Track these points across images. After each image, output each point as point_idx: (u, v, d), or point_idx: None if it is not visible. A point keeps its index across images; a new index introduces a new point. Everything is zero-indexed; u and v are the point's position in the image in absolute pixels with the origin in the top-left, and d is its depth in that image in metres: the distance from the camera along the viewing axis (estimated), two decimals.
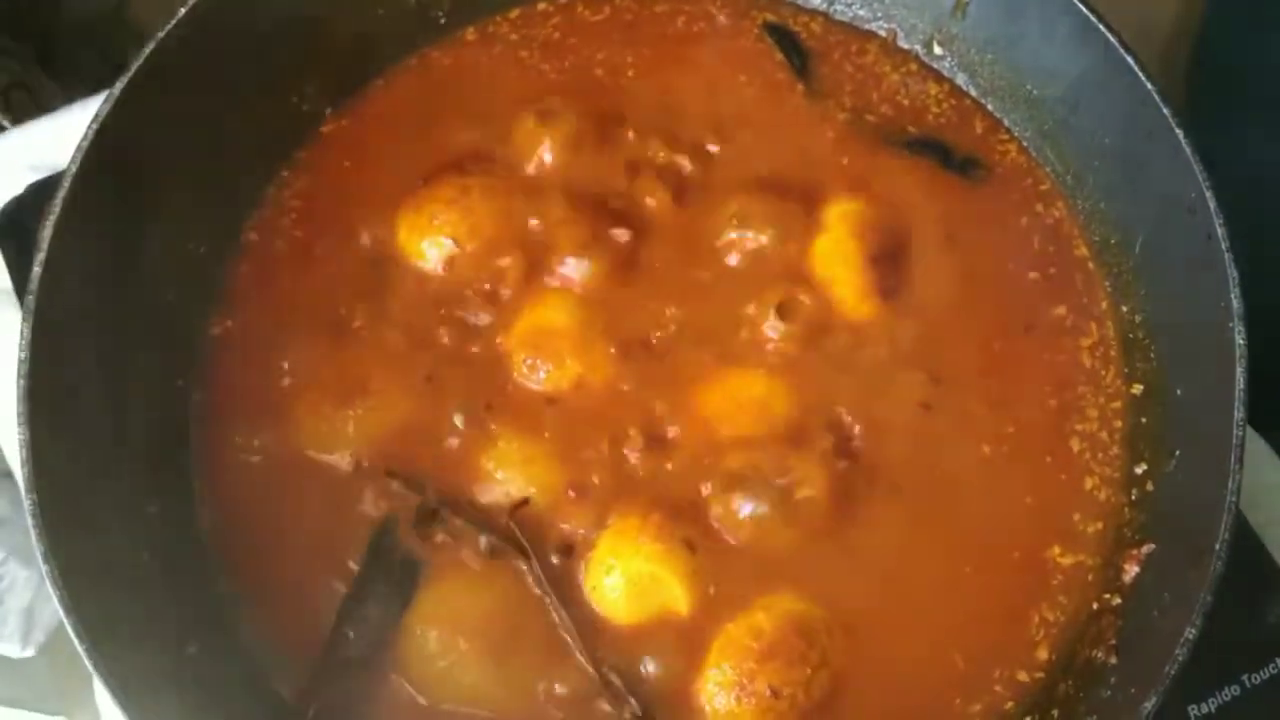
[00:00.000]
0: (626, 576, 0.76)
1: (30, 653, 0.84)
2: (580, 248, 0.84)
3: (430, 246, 0.85)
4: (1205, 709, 0.83)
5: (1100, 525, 0.79)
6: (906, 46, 0.92)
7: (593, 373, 0.81)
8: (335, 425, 0.81)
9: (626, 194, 0.86)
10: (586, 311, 0.83)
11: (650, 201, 0.86)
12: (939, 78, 0.91)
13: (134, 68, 0.77)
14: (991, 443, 0.81)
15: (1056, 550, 0.79)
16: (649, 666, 0.76)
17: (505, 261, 0.84)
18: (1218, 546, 0.68)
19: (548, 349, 0.82)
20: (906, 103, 0.91)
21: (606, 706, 0.74)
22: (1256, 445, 0.90)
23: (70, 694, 0.84)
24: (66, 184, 0.74)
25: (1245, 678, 0.84)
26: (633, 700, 0.74)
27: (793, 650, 0.74)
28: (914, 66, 0.92)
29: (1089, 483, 0.80)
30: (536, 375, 0.82)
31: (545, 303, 0.84)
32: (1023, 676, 0.77)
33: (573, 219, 0.85)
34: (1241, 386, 0.71)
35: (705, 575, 0.77)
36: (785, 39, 0.92)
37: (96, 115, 0.76)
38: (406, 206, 0.86)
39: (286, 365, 0.83)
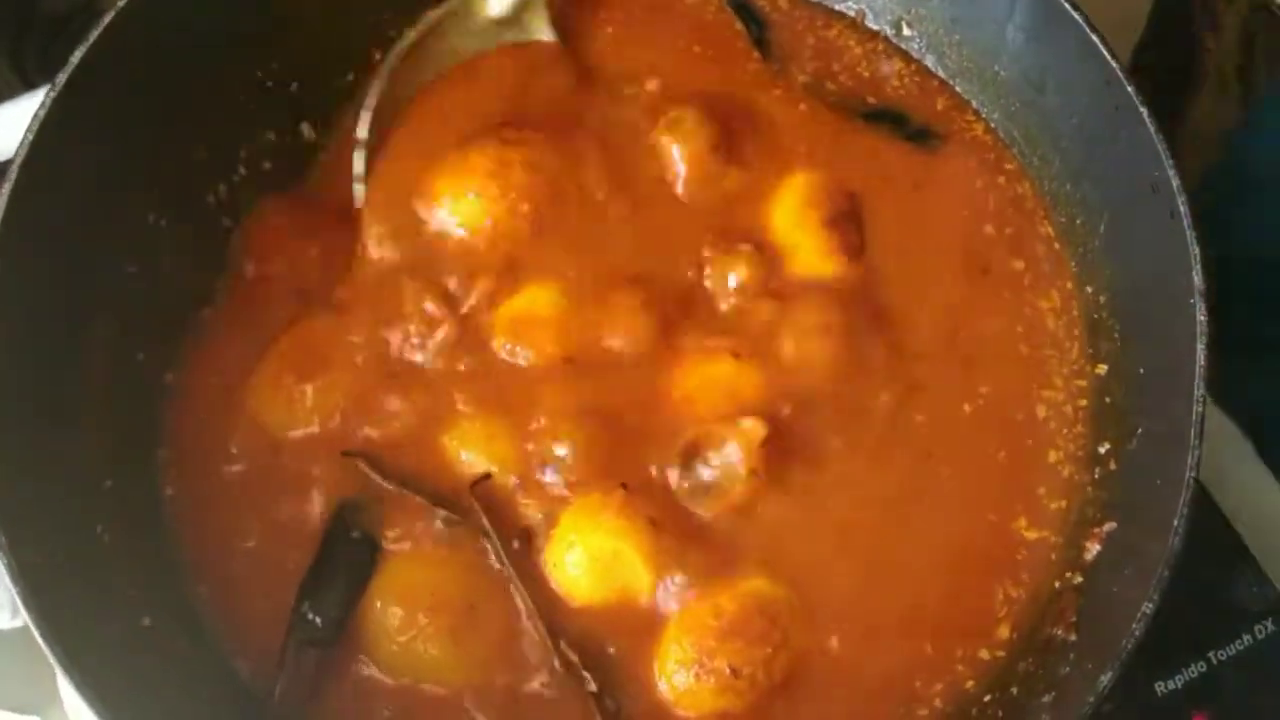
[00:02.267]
0: (588, 553, 0.76)
1: (19, 623, 0.83)
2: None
3: (459, 221, 0.83)
4: (1171, 685, 0.83)
5: (1064, 503, 0.79)
6: (875, 27, 0.92)
7: (566, 351, 0.81)
8: (294, 397, 0.80)
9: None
10: (565, 299, 0.82)
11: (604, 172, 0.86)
12: (906, 57, 0.91)
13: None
14: (970, 401, 0.81)
15: (1023, 523, 0.79)
16: (608, 644, 0.75)
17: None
18: (1176, 522, 0.68)
19: (526, 332, 0.81)
20: (867, 75, 0.90)
21: (565, 684, 0.74)
22: (1225, 426, 0.91)
23: (43, 691, 0.82)
24: (35, 128, 0.73)
25: (1211, 654, 0.84)
26: (589, 677, 0.74)
27: (754, 629, 0.74)
28: (880, 45, 0.91)
29: (1053, 456, 0.80)
30: (515, 358, 0.81)
31: (529, 287, 0.83)
32: (984, 655, 0.77)
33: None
34: (1202, 363, 0.70)
35: (668, 553, 0.76)
36: (743, 10, 0.92)
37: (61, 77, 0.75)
38: (440, 173, 0.84)
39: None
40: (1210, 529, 0.85)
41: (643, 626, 0.75)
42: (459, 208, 0.83)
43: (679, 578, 0.76)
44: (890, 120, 0.89)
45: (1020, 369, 0.83)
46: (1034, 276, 0.85)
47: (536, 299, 0.82)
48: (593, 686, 0.73)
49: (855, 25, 0.92)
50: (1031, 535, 0.79)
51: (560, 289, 0.82)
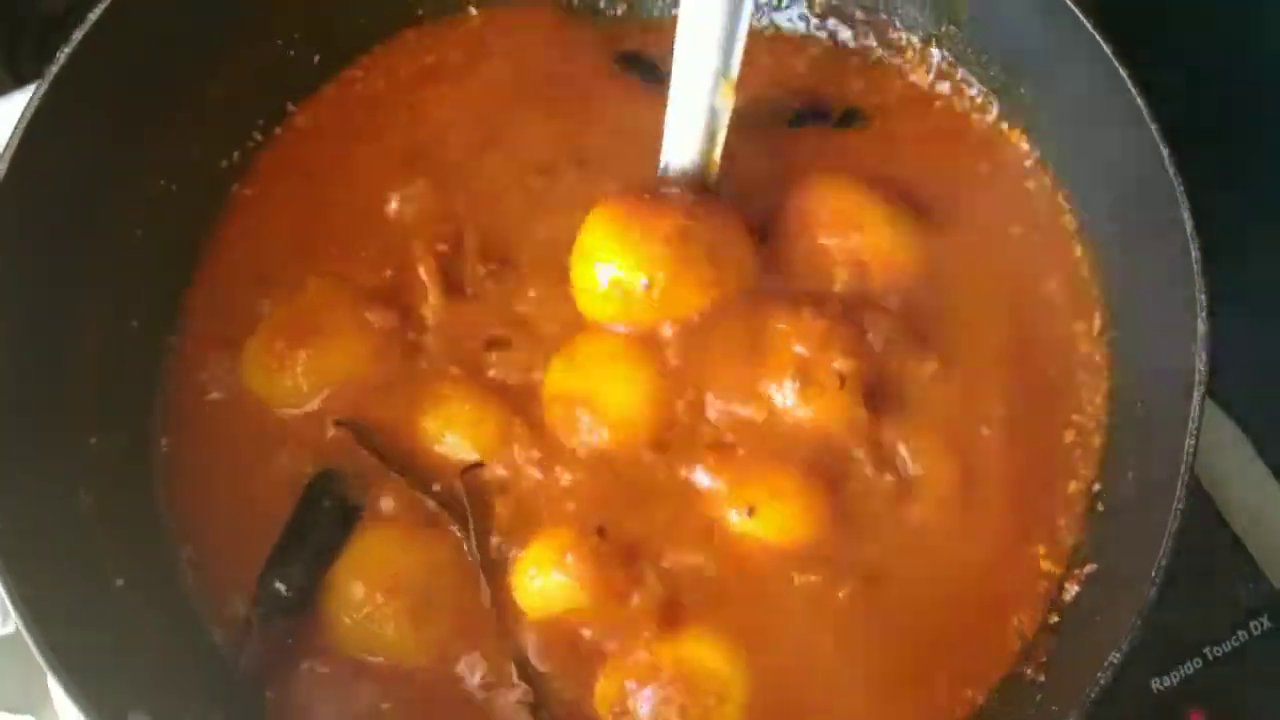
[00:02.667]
0: (551, 586, 0.75)
1: (11, 629, 0.84)
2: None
3: (614, 282, 0.78)
4: (1167, 682, 0.83)
5: (1071, 539, 0.78)
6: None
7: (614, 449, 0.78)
8: (285, 364, 0.80)
9: None
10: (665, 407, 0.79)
11: None
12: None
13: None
14: (992, 422, 0.79)
15: (1041, 550, 0.77)
16: (555, 660, 0.75)
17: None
18: (1154, 573, 0.66)
19: (592, 408, 0.78)
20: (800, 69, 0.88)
21: (506, 687, 0.74)
22: (1225, 426, 0.90)
23: (36, 692, 0.84)
24: (45, 85, 0.74)
25: (1207, 650, 0.83)
26: (528, 689, 0.74)
27: (672, 699, 0.73)
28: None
29: (1073, 486, 0.78)
30: (573, 433, 0.78)
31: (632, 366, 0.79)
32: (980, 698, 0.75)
33: None
34: (1196, 413, 0.69)
35: (628, 608, 0.75)
36: (634, 63, 0.88)
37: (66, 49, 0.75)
38: (604, 217, 0.79)
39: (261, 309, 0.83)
40: (1208, 527, 0.85)
41: (589, 656, 0.75)
42: (627, 263, 0.77)
43: (634, 627, 0.74)
44: (816, 118, 0.86)
45: (1051, 390, 0.80)
46: (1067, 295, 0.82)
47: (630, 381, 0.79)
48: (529, 697, 0.73)
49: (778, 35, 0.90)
50: (1048, 567, 0.77)
51: (668, 391, 0.79)
